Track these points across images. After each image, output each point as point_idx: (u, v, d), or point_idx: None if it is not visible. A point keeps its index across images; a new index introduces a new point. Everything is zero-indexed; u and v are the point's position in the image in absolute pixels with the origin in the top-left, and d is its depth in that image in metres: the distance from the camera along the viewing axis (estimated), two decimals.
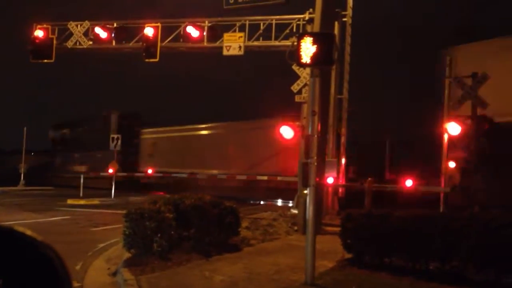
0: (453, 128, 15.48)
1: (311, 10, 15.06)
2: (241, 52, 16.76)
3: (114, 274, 8.65)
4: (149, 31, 17.65)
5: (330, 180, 15.44)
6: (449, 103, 15.67)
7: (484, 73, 14.94)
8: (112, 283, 8.26)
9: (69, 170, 37.19)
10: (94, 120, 37.10)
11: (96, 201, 25.36)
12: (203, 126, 31.13)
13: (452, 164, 16.84)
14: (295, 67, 15.33)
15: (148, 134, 34.73)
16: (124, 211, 9.66)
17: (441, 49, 20.41)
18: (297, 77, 15.82)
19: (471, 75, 15.09)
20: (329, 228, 13.24)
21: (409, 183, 17.04)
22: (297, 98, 16.08)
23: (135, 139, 34.56)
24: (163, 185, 30.12)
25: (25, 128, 43.71)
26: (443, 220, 8.20)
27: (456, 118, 15.54)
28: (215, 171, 27.21)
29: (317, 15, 13.67)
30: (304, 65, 9.16)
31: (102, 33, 18.54)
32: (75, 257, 9.59)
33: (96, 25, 18.69)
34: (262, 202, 26.84)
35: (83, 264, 9.51)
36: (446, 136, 15.87)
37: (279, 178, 23.75)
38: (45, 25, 18.83)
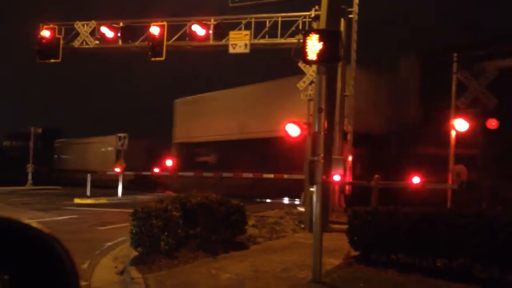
0: (460, 125, 15.42)
1: (317, 7, 15.02)
2: (247, 50, 16.77)
3: (122, 272, 8.67)
4: (155, 30, 17.68)
5: (336, 178, 15.41)
6: (456, 99, 15.60)
7: (493, 70, 14.87)
8: (119, 281, 8.28)
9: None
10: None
11: (103, 200, 25.46)
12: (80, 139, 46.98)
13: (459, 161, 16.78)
14: (301, 65, 15.30)
15: (57, 144, 50.57)
16: (131, 210, 9.68)
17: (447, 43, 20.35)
18: (303, 74, 15.82)
19: (479, 71, 15.03)
20: (335, 226, 13.23)
21: (416, 180, 16.96)
22: (303, 96, 16.06)
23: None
24: (64, 177, 42.45)
25: (32, 128, 43.98)
26: (450, 217, 8.17)
27: (463, 115, 15.49)
28: (94, 168, 35.81)
29: (323, 12, 13.64)
30: (310, 62, 9.14)
31: (108, 33, 18.60)
32: (82, 256, 9.63)
33: (103, 24, 18.75)
34: (268, 200, 26.86)
35: (90, 262, 9.55)
36: (453, 133, 15.79)
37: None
38: (51, 25, 18.91)
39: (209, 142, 28.43)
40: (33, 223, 1.37)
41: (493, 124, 14.69)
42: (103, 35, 18.71)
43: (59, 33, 18.94)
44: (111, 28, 18.62)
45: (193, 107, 33.80)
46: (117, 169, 27.49)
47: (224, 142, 30.03)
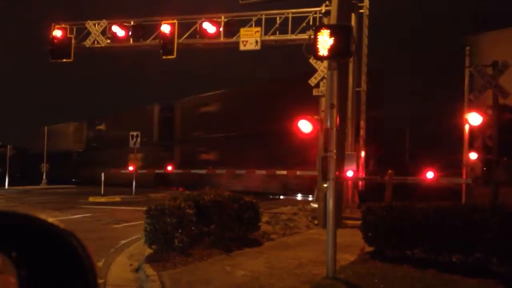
0: (474, 119, 15.29)
1: (327, 2, 14.95)
2: (258, 47, 16.74)
3: (137, 270, 8.73)
4: (165, 28, 17.71)
5: (349, 174, 15.36)
6: (469, 93, 15.45)
7: (505, 62, 14.71)
8: (134, 279, 8.34)
9: None
10: None
11: (117, 198, 25.64)
12: None
13: (474, 155, 16.64)
14: (312, 61, 15.24)
15: None
16: (144, 208, 9.73)
17: (460, 37, 20.19)
18: (314, 70, 15.75)
19: (492, 64, 14.87)
20: (349, 222, 13.18)
21: (430, 175, 16.86)
22: (314, 92, 16.00)
23: None
24: None
25: (46, 128, 44.38)
26: (466, 212, 8.10)
27: (477, 108, 15.35)
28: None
29: (333, 7, 13.55)
30: (321, 58, 9.09)
31: (120, 32, 18.67)
32: (98, 254, 9.71)
33: (114, 23, 18.82)
34: (282, 197, 26.85)
35: (105, 260, 9.62)
36: (467, 127, 15.65)
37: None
38: (63, 25, 19.00)
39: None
40: (50, 219, 1.36)
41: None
42: (114, 34, 18.77)
43: (71, 32, 19.03)
44: (122, 27, 18.68)
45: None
46: (131, 167, 27.63)
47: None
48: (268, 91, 30.11)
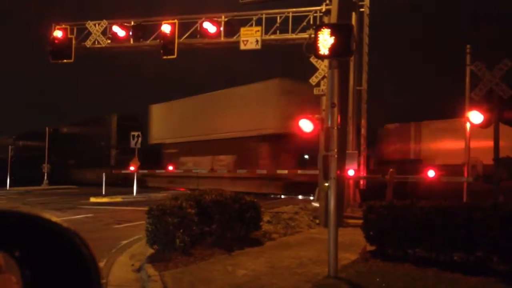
0: (475, 117, 15.26)
1: (327, 1, 14.95)
2: (259, 46, 16.75)
3: (138, 270, 8.72)
4: (166, 28, 17.72)
5: (351, 172, 15.35)
6: (470, 91, 15.43)
7: (506, 60, 14.69)
8: (136, 279, 8.33)
9: None
10: None
11: (118, 199, 25.65)
12: None
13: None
14: (312, 60, 15.24)
15: None
16: (146, 208, 9.73)
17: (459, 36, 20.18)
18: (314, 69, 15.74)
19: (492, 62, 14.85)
20: (351, 221, 13.18)
21: (431, 173, 16.85)
22: (315, 91, 15.99)
23: None
24: None
25: (46, 128, 44.47)
26: (467, 211, 8.09)
27: (478, 107, 15.32)
28: None
29: (334, 6, 13.56)
30: (322, 57, 9.08)
31: (120, 32, 18.67)
32: (99, 254, 9.64)
33: (114, 23, 18.83)
34: (283, 196, 26.88)
35: (107, 260, 9.62)
36: (468, 125, 15.62)
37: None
38: (63, 25, 19.03)
39: None
40: (53, 218, 1.37)
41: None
42: (114, 34, 18.79)
43: (71, 33, 19.04)
44: (122, 27, 18.70)
45: None
46: (132, 168, 27.64)
47: None
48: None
